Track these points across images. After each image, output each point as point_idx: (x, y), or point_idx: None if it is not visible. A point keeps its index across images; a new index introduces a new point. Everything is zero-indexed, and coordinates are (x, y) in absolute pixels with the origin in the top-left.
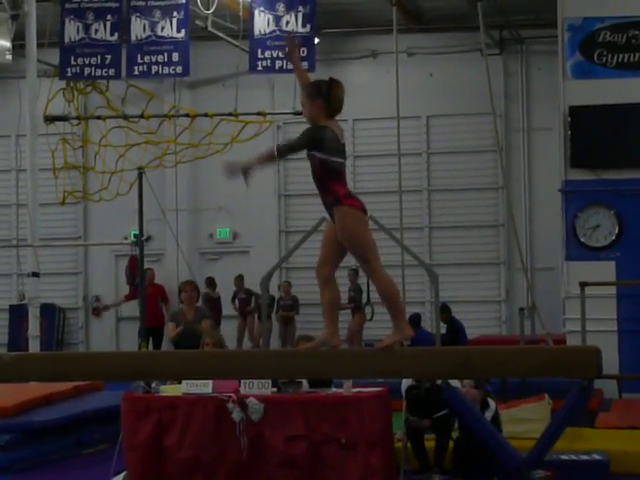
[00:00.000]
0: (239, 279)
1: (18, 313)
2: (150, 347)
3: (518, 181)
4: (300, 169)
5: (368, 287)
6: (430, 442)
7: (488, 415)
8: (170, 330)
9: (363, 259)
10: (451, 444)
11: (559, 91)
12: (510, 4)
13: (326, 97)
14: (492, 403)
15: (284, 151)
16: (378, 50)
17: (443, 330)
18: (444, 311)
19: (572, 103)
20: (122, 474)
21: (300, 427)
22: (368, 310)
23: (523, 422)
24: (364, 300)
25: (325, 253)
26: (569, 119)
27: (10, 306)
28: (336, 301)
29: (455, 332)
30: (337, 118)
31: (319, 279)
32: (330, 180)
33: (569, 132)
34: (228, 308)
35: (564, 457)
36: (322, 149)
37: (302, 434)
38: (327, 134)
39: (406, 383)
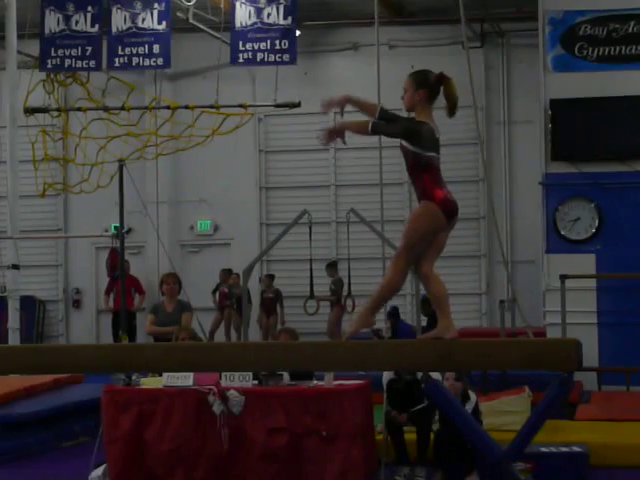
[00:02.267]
0: (226, 272)
1: None
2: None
3: (499, 174)
4: (280, 161)
5: (349, 280)
6: (411, 435)
7: (469, 407)
8: (149, 322)
9: (401, 252)
10: (432, 436)
11: (540, 84)
12: None
13: (431, 89)
14: (473, 395)
15: (378, 131)
16: (359, 42)
17: (424, 323)
18: (425, 304)
19: (553, 96)
20: (102, 467)
21: (281, 420)
22: (349, 303)
23: (503, 414)
24: (344, 293)
25: (421, 251)
26: (550, 112)
27: None
28: (443, 294)
29: (436, 324)
30: (319, 111)
31: (419, 276)
32: (423, 174)
33: (550, 125)
34: (206, 300)
35: (544, 449)
36: (417, 143)
37: (283, 426)
38: (424, 128)
39: (387, 376)
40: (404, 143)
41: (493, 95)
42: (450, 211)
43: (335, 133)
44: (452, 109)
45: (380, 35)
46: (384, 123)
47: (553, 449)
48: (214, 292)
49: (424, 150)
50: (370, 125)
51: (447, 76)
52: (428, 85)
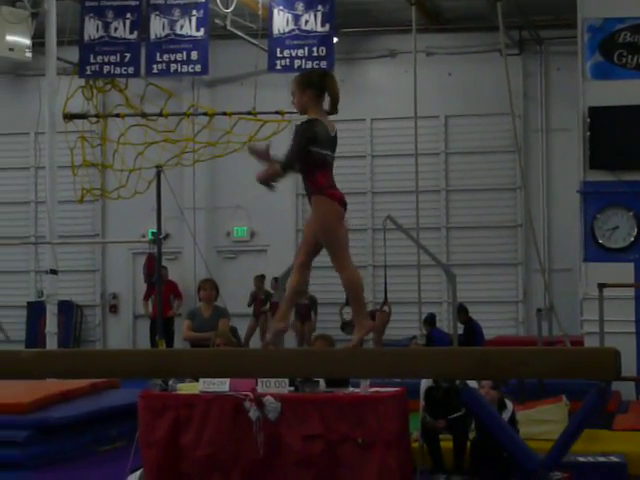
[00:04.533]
0: (260, 279)
1: (36, 310)
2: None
3: (536, 182)
4: None
5: (385, 287)
6: (447, 443)
7: (505, 416)
8: (186, 328)
9: (332, 252)
10: (469, 445)
11: (578, 92)
12: (529, 4)
13: (316, 87)
14: (509, 404)
15: (289, 164)
16: (397, 50)
17: (460, 331)
18: (461, 311)
19: (591, 104)
20: (139, 472)
21: (317, 426)
22: (386, 309)
23: (540, 423)
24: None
25: (307, 241)
26: (588, 120)
27: (28, 303)
28: (299, 289)
29: (472, 333)
30: (356, 117)
31: (294, 264)
32: (314, 171)
33: (588, 133)
34: (242, 306)
35: (581, 459)
36: (315, 142)
37: (319, 433)
38: (318, 126)
39: (426, 384)
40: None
41: (531, 103)
42: (344, 203)
43: (261, 156)
44: (334, 105)
45: (417, 42)
46: (286, 155)
47: (590, 459)
48: (250, 304)
49: (319, 148)
50: (280, 168)
51: (329, 73)
52: (313, 84)
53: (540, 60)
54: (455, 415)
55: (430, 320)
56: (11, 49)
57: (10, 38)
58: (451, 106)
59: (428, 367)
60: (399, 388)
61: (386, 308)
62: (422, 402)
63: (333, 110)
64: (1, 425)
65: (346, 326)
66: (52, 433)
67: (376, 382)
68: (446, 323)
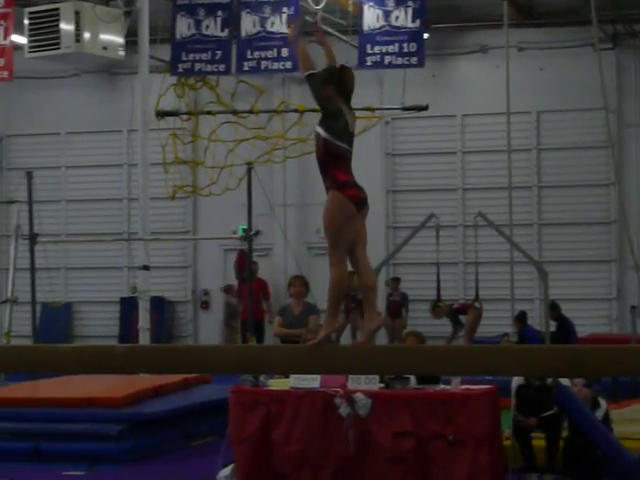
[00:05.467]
0: (350, 275)
1: (129, 306)
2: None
3: (630, 177)
4: (407, 164)
5: (477, 284)
6: (539, 441)
7: (599, 415)
8: (276, 324)
9: (330, 247)
10: (561, 443)
11: None
12: None
13: (337, 83)
14: (603, 402)
15: (309, 81)
16: (488, 45)
17: (552, 328)
18: (554, 309)
19: None
20: (230, 466)
21: (407, 423)
22: (477, 305)
23: (634, 422)
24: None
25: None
26: None
27: (121, 299)
28: (371, 285)
29: (565, 330)
30: (447, 113)
31: (351, 262)
32: (331, 165)
33: None
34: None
35: None
36: (329, 129)
37: (409, 430)
38: (340, 116)
39: (517, 381)
40: (318, 129)
41: (625, 97)
42: (359, 201)
43: (296, 34)
44: (347, 98)
45: (509, 37)
46: (318, 81)
47: None
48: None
49: (335, 139)
50: (307, 73)
51: (347, 67)
52: (334, 80)
53: (634, 54)
54: (547, 413)
55: (521, 318)
56: (105, 48)
57: (104, 37)
58: (543, 101)
59: (520, 365)
60: (490, 386)
61: (477, 305)
62: (513, 400)
63: (346, 99)
64: (95, 419)
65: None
66: (145, 427)
67: (467, 379)
68: (538, 320)
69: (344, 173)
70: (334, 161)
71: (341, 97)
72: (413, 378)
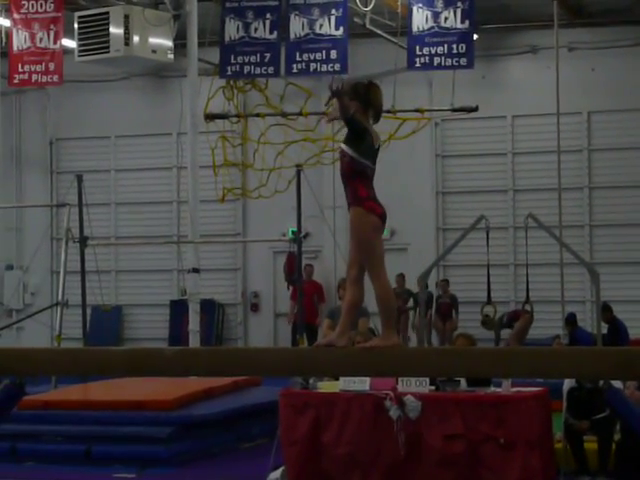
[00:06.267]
0: (400, 277)
1: (179, 308)
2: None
3: None
4: (457, 166)
5: (527, 286)
6: (591, 444)
7: None
8: (326, 326)
9: (368, 262)
10: (614, 446)
11: None
12: None
13: (362, 99)
14: None
15: (337, 91)
16: (538, 45)
17: (604, 330)
18: (605, 311)
19: None
20: (280, 469)
21: (458, 426)
22: (527, 308)
23: None
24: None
25: (353, 255)
26: None
27: (171, 301)
28: (355, 303)
29: (617, 332)
30: (497, 114)
31: (347, 279)
32: (355, 181)
33: None
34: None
35: None
36: (356, 147)
37: (460, 433)
38: (367, 134)
39: (568, 384)
40: (343, 147)
41: None
42: (381, 214)
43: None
44: (378, 116)
45: (559, 37)
46: (344, 97)
47: None
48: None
49: (361, 157)
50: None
51: (374, 83)
52: (359, 96)
53: None
54: (599, 416)
55: (571, 320)
56: (154, 51)
57: (153, 40)
58: (594, 102)
59: (571, 367)
60: (541, 388)
61: (527, 307)
62: (565, 403)
63: (376, 120)
64: (146, 421)
65: (487, 323)
66: (195, 430)
67: (518, 382)
68: (589, 322)
69: (366, 189)
70: (359, 178)
71: (365, 114)
72: (464, 381)
